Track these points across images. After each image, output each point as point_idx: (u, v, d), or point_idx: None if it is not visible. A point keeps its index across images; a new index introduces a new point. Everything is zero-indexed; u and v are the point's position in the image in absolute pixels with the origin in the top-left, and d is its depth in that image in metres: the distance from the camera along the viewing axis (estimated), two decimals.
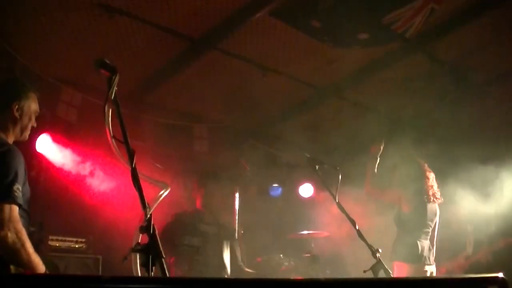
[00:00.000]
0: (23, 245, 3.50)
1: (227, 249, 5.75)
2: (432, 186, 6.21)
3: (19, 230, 3.48)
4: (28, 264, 3.52)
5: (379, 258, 4.00)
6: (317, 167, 4.54)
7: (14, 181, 3.53)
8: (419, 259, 5.88)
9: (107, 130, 2.76)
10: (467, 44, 7.63)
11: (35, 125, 4.07)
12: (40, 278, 2.02)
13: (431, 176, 6.28)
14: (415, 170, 6.28)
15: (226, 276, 5.61)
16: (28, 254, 3.53)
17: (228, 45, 7.08)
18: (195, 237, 5.57)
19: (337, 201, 4.28)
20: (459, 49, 7.70)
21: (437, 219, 6.22)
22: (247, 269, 6.25)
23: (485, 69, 8.04)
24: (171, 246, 5.55)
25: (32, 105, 4.02)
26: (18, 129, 3.92)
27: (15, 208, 3.51)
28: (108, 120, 2.76)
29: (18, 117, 3.90)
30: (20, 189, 3.56)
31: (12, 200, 3.49)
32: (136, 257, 2.56)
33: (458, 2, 6.77)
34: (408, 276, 5.64)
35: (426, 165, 6.36)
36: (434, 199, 6.19)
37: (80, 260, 6.96)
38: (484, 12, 6.88)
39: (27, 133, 4.03)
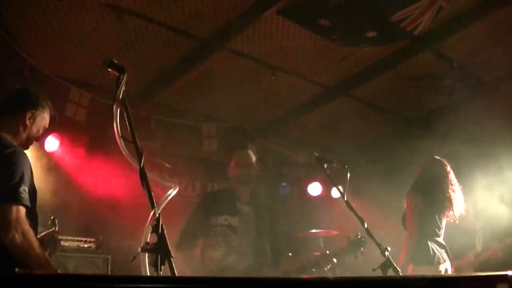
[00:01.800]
0: (31, 246, 3.51)
1: (266, 231, 5.50)
2: (452, 208, 6.08)
3: (26, 231, 3.50)
4: (37, 265, 3.53)
5: (388, 257, 3.99)
6: (325, 165, 4.53)
7: (20, 182, 3.55)
8: (433, 260, 5.83)
9: (116, 130, 2.77)
10: (476, 41, 7.60)
11: (39, 139, 4.11)
12: (49, 278, 2.03)
13: (457, 193, 6.14)
14: (437, 182, 6.15)
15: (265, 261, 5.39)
16: (36, 255, 3.55)
17: (236, 44, 7.09)
18: (233, 216, 5.32)
19: (345, 199, 4.27)
20: (468, 46, 7.68)
21: (445, 220, 6.17)
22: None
23: (494, 66, 8.01)
24: (207, 226, 5.31)
25: (45, 119, 4.05)
26: (24, 136, 3.94)
27: (22, 210, 3.52)
28: (117, 120, 2.77)
29: (29, 125, 3.93)
30: (27, 190, 3.58)
31: (19, 201, 3.50)
32: (145, 256, 2.57)
33: None
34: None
35: (455, 185, 6.19)
36: (448, 217, 6.11)
37: (90, 260, 6.98)
38: (493, 9, 6.87)
39: (30, 143, 4.05)
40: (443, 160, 6.32)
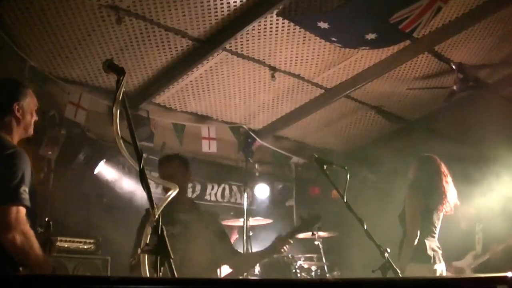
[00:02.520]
0: (31, 246, 3.50)
1: (213, 235, 5.48)
2: (446, 202, 6.10)
3: (26, 232, 3.49)
4: (36, 265, 3.53)
5: (388, 258, 3.98)
6: (325, 166, 4.52)
7: (20, 183, 3.53)
8: (428, 259, 5.86)
9: (115, 131, 2.76)
10: (475, 43, 7.62)
11: (37, 118, 4.08)
12: (49, 279, 2.03)
13: (450, 188, 6.16)
14: (431, 178, 6.18)
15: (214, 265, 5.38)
16: (36, 256, 3.54)
17: (236, 45, 7.09)
18: (174, 225, 5.28)
19: (345, 200, 4.27)
20: (467, 47, 7.70)
21: (440, 221, 6.19)
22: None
23: (494, 67, 8.02)
24: None
25: (31, 102, 4.00)
26: (21, 128, 3.92)
27: (23, 210, 3.51)
28: (116, 121, 2.76)
29: (21, 117, 3.90)
30: (27, 190, 3.57)
31: (19, 202, 3.49)
32: (145, 257, 2.56)
33: (466, 1, 6.76)
34: (418, 276, 5.62)
35: (448, 177, 6.22)
36: (443, 211, 6.13)
37: (89, 261, 6.98)
38: (492, 10, 6.88)
39: (31, 129, 4.02)
40: (431, 156, 6.34)
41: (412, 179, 6.30)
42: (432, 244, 5.96)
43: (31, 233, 3.53)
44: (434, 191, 6.07)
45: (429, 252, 5.87)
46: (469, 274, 7.35)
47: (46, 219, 4.38)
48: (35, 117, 4.04)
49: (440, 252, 6.01)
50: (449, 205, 6.10)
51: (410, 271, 5.72)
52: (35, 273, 3.51)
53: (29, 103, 3.99)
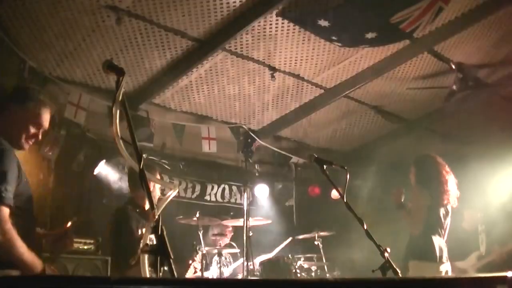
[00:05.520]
0: (13, 245, 3.44)
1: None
2: (448, 191, 6.12)
3: (6, 231, 3.42)
4: (22, 264, 3.46)
5: (388, 258, 3.98)
6: (325, 167, 4.52)
7: (2, 182, 3.48)
8: (435, 258, 5.86)
9: (115, 132, 2.75)
10: (475, 43, 7.61)
11: (38, 136, 4.00)
12: (49, 279, 2.03)
13: (450, 178, 6.19)
14: (431, 172, 6.21)
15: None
16: (20, 254, 3.48)
17: (236, 45, 7.09)
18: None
19: (345, 200, 4.26)
20: (467, 48, 7.69)
21: (448, 219, 6.19)
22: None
23: (493, 68, 8.02)
24: (139, 238, 5.34)
25: (40, 114, 3.95)
26: (23, 135, 3.87)
27: (4, 209, 3.45)
28: (116, 122, 2.75)
29: (20, 121, 3.87)
30: (9, 189, 3.51)
31: (0, 201, 3.45)
32: (145, 258, 2.55)
33: (466, 1, 6.76)
34: (425, 275, 5.62)
35: (445, 167, 6.26)
36: (448, 204, 6.14)
37: (89, 262, 6.97)
38: (492, 10, 6.88)
39: (26, 143, 3.93)
40: (428, 153, 6.38)
41: (414, 180, 6.31)
42: (439, 243, 5.96)
43: (12, 231, 3.45)
44: (435, 182, 6.10)
45: (437, 250, 5.87)
46: (470, 274, 7.34)
47: (69, 222, 4.26)
48: (37, 130, 3.97)
49: (445, 250, 6.01)
50: (452, 195, 6.12)
51: (416, 269, 5.73)
52: (24, 272, 3.47)
53: (38, 114, 3.92)
